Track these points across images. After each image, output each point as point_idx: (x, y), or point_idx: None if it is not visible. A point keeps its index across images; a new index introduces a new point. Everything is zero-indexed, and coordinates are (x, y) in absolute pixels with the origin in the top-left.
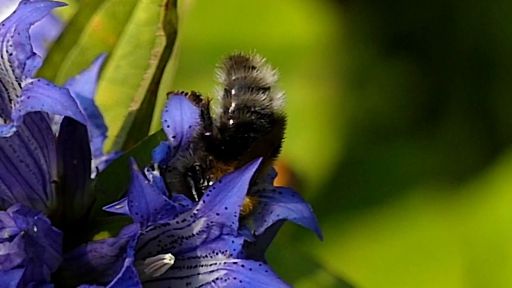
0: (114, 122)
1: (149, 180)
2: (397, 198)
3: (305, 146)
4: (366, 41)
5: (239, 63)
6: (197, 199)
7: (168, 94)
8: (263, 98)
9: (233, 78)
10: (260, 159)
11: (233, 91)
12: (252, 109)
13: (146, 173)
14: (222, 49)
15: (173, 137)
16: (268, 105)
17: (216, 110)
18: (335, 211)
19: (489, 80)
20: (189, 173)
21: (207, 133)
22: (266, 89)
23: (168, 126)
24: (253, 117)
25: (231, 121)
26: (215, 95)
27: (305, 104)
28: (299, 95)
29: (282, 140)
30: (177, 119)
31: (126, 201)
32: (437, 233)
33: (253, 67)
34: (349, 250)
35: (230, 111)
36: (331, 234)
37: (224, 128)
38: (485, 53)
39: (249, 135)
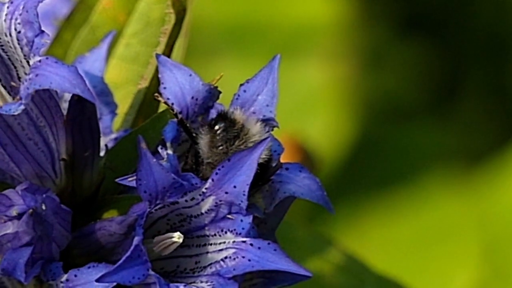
0: (125, 100)
1: (162, 158)
2: (413, 179)
3: (321, 126)
4: (383, 21)
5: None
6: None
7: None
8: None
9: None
10: (269, 138)
11: (220, 148)
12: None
13: (160, 150)
14: (238, 29)
15: (180, 112)
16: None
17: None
18: (351, 191)
19: (505, 60)
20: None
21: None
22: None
23: (172, 104)
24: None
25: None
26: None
27: (321, 84)
28: (315, 75)
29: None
30: (178, 94)
31: None
32: (453, 213)
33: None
34: (365, 230)
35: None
36: (347, 214)
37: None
38: (501, 32)
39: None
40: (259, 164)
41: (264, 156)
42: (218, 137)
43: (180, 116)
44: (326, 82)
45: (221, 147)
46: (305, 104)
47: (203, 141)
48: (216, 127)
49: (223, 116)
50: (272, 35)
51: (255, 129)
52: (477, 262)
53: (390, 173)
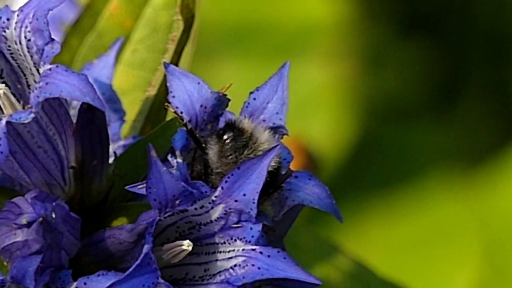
0: (132, 107)
1: (172, 166)
2: (414, 179)
3: (322, 126)
4: (384, 21)
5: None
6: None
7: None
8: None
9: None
10: (279, 146)
11: (229, 157)
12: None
13: (169, 159)
14: (239, 30)
15: (189, 121)
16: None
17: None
18: (351, 191)
19: (506, 60)
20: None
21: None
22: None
23: (181, 112)
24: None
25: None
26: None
27: (322, 84)
28: (316, 75)
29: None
30: (187, 103)
31: None
32: (454, 214)
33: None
34: (366, 231)
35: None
36: (348, 215)
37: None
38: (502, 33)
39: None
40: (269, 172)
41: (273, 164)
42: (227, 147)
43: (189, 126)
44: (327, 82)
45: (230, 157)
46: (306, 104)
47: (212, 151)
48: (225, 137)
49: (231, 126)
50: (273, 35)
51: (264, 137)
52: (478, 262)
53: (390, 173)
